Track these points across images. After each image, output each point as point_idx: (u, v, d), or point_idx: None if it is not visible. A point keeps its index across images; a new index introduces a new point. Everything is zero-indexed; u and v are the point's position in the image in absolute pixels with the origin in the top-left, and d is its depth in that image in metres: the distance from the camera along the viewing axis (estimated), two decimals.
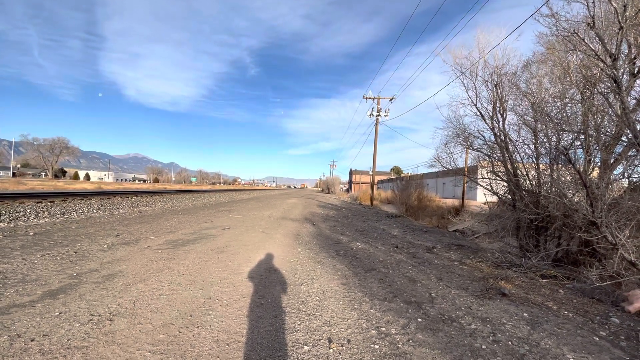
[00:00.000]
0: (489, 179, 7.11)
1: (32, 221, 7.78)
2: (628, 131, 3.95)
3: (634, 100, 4.32)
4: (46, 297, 3.06)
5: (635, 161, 4.29)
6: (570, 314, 3.30)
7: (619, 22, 3.77)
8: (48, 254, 4.64)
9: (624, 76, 4.17)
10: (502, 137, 6.42)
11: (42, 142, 79.80)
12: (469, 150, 7.99)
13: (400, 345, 2.47)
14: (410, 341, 2.55)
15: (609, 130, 4.46)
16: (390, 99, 24.58)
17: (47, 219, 8.20)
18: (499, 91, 6.49)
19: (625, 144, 4.36)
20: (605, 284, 3.66)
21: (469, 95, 7.12)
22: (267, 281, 3.98)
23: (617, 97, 3.98)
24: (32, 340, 2.25)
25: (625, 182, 4.49)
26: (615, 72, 3.91)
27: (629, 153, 4.33)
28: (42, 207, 10.05)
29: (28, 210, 9.09)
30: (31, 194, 13.79)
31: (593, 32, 4.10)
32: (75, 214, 9.41)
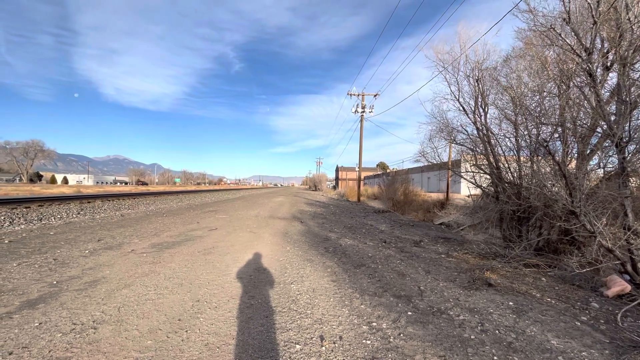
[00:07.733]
0: (473, 172, 7.26)
1: (7, 228, 7.43)
2: (603, 123, 4.10)
3: (608, 93, 4.49)
4: (24, 308, 2.92)
5: (610, 152, 4.45)
6: (553, 301, 3.41)
7: (593, 17, 3.90)
8: (25, 262, 4.44)
9: (598, 70, 4.32)
10: (484, 131, 6.56)
11: (15, 145, 76.35)
12: (453, 145, 8.12)
13: (391, 340, 2.49)
14: (401, 335, 2.58)
15: (584, 122, 4.62)
16: (375, 95, 24.75)
17: (23, 226, 7.85)
18: (480, 86, 6.62)
19: (600, 135, 4.53)
20: (584, 270, 3.81)
21: (451, 90, 7.24)
22: (257, 281, 3.93)
23: (591, 90, 4.12)
24: (10, 354, 2.15)
25: (601, 172, 4.66)
26: (590, 66, 4.06)
27: (604, 144, 4.50)
28: (17, 214, 9.61)
29: (2, 217, 8.66)
30: (5, 200, 13.16)
31: (569, 27, 4.23)
32: (53, 220, 9.04)
